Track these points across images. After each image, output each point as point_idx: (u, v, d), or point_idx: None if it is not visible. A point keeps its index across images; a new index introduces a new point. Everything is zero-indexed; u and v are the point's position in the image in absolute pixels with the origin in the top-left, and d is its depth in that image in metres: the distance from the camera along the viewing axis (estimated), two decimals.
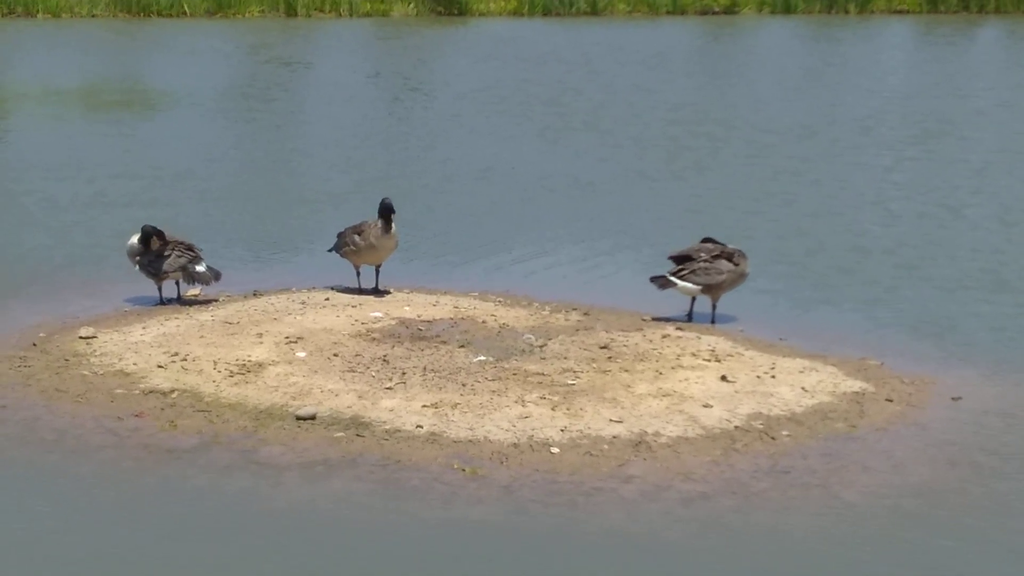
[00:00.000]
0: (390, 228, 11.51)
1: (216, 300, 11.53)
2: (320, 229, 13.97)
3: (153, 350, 10.04)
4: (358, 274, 11.83)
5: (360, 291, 11.74)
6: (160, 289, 11.50)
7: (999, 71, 30.44)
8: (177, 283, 11.57)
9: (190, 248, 11.40)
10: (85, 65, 28.48)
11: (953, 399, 9.48)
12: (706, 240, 11.35)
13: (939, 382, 9.83)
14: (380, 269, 11.83)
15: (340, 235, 11.87)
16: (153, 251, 11.33)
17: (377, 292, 11.73)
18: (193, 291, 11.68)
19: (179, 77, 26.08)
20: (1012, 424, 9.09)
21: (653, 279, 11.22)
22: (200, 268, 11.35)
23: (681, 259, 11.18)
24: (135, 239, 11.49)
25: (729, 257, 11.14)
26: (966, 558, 7.31)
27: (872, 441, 8.72)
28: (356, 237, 11.65)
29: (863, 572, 7.16)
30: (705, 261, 11.09)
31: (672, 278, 11.09)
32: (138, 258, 11.43)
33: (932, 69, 30.77)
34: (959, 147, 20.16)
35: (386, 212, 11.53)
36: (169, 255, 11.30)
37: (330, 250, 12.04)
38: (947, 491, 8.05)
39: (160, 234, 11.41)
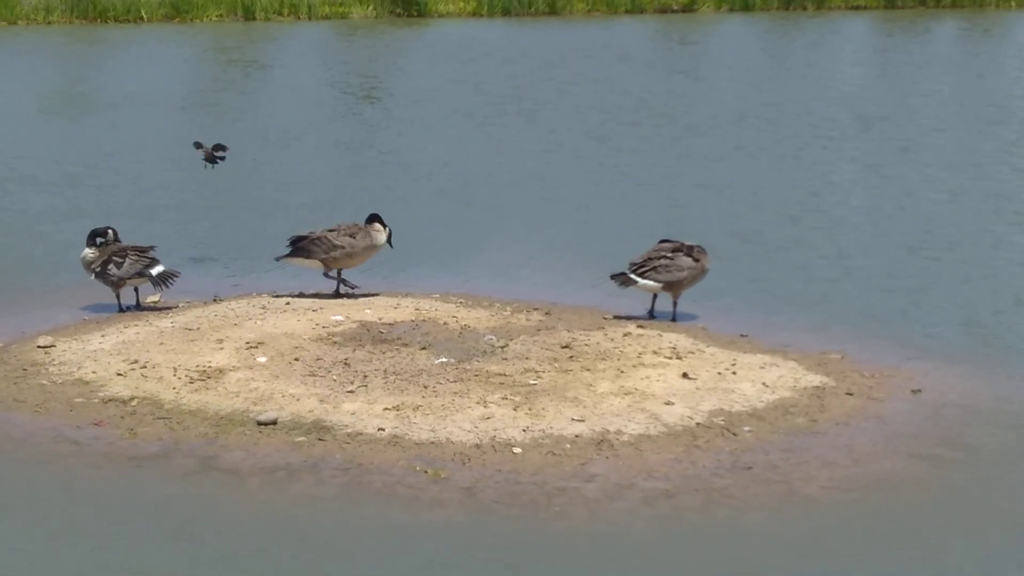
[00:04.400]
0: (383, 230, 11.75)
1: (176, 306, 11.46)
2: (280, 234, 13.91)
3: (112, 358, 9.97)
4: (340, 277, 11.72)
5: (340, 295, 11.64)
6: (118, 296, 11.42)
7: (952, 65, 30.63)
8: (136, 290, 11.51)
9: (144, 252, 11.35)
10: (41, 72, 28.27)
11: (913, 392, 9.53)
12: (664, 241, 11.35)
13: (899, 375, 9.88)
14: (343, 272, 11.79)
15: (315, 241, 11.66)
16: (108, 254, 11.25)
17: (339, 296, 11.68)
18: (152, 297, 11.61)
19: (137, 83, 25.92)
20: (971, 416, 9.15)
21: (614, 277, 11.23)
22: (157, 271, 11.30)
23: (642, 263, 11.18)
24: (87, 249, 11.43)
25: (689, 253, 11.15)
26: (928, 551, 7.35)
27: (833, 435, 8.76)
28: (349, 239, 11.58)
29: (826, 567, 7.19)
30: (666, 258, 11.10)
31: (633, 276, 11.10)
32: (94, 266, 11.34)
33: (886, 64, 30.94)
34: (914, 140, 20.26)
35: (377, 217, 11.76)
36: (124, 261, 11.24)
37: (281, 258, 11.85)
38: (908, 484, 8.10)
39: (103, 232, 11.39)
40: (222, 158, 13.35)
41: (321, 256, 11.64)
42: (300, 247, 11.71)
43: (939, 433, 8.84)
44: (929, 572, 7.14)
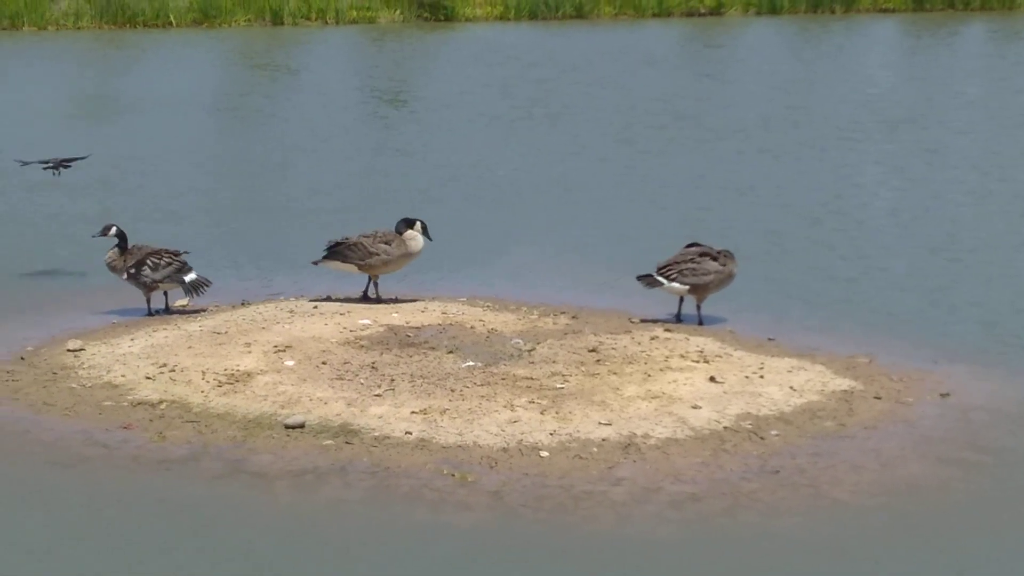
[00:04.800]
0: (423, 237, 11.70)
1: (204, 310, 11.50)
2: (308, 238, 13.96)
3: (141, 362, 10.03)
4: (376, 284, 11.71)
5: (368, 298, 11.65)
6: (148, 300, 11.48)
7: (980, 67, 30.50)
8: (165, 294, 11.56)
9: (177, 256, 11.42)
10: (72, 77, 28.45)
11: (942, 395, 9.49)
12: (691, 245, 11.34)
13: (928, 378, 9.84)
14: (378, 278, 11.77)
15: (351, 246, 11.63)
16: (143, 256, 11.33)
17: (367, 299, 11.69)
18: (181, 301, 11.66)
19: (166, 87, 26.06)
20: (1000, 420, 9.11)
21: (640, 278, 11.23)
22: (189, 278, 11.36)
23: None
24: (110, 251, 11.47)
25: (716, 257, 11.15)
26: (956, 556, 7.32)
27: (861, 439, 8.73)
28: (385, 246, 11.55)
29: (854, 571, 7.16)
30: (693, 261, 11.10)
31: (659, 277, 11.11)
32: (127, 266, 11.36)
33: (914, 67, 30.83)
34: (940, 142, 20.19)
35: (412, 222, 11.68)
36: (159, 263, 11.31)
37: (318, 262, 11.86)
38: (936, 489, 8.07)
39: (106, 230, 11.49)
40: (67, 166, 13.48)
41: (357, 262, 11.64)
42: (336, 251, 11.71)
43: (968, 437, 8.81)
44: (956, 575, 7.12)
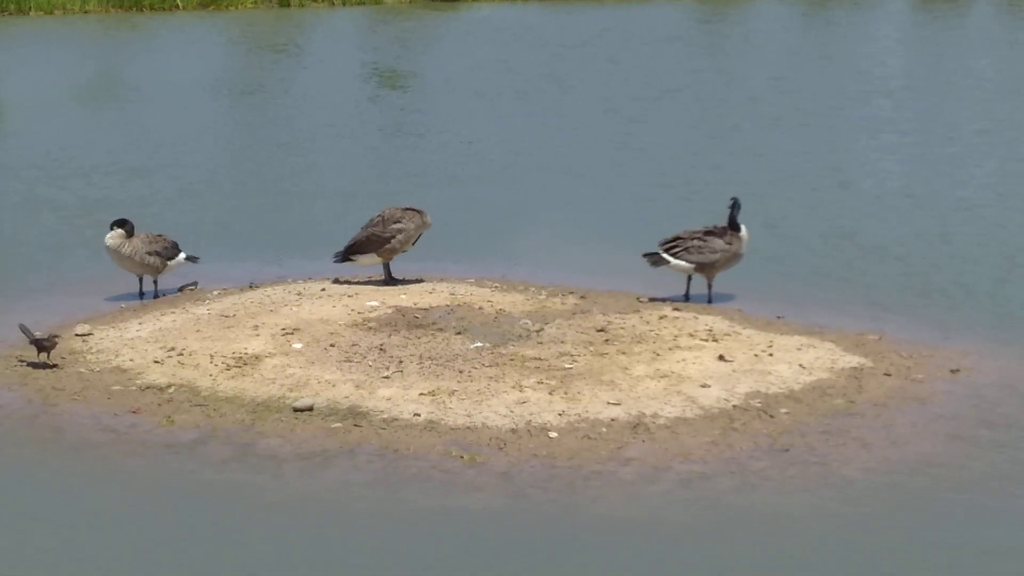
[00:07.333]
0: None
1: (212, 293, 11.49)
2: (316, 220, 13.95)
3: (149, 346, 10.02)
4: (388, 267, 11.65)
5: (393, 281, 11.57)
6: (155, 283, 11.51)
7: (992, 46, 30.35)
8: (155, 281, 11.54)
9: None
10: (79, 62, 28.42)
11: (952, 371, 9.46)
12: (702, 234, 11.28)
13: (937, 355, 9.81)
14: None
15: (367, 239, 11.50)
16: (158, 243, 11.41)
17: (393, 281, 11.56)
18: (190, 285, 11.67)
19: (173, 71, 26.02)
20: (1011, 396, 9.08)
21: (646, 255, 11.20)
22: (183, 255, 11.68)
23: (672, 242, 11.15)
24: (114, 235, 11.38)
25: (722, 235, 11.10)
26: (967, 533, 7.29)
27: (871, 417, 8.70)
28: (397, 226, 11.47)
29: (863, 550, 7.14)
30: (698, 239, 11.05)
31: (665, 255, 11.07)
32: (152, 248, 11.34)
33: (925, 43, 30.71)
34: (949, 117, 20.10)
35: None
36: (164, 244, 11.41)
37: (343, 259, 11.68)
38: (947, 466, 8.04)
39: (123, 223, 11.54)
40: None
41: (378, 251, 11.53)
42: (353, 249, 11.59)
43: (978, 413, 8.77)
44: (968, 554, 7.08)
